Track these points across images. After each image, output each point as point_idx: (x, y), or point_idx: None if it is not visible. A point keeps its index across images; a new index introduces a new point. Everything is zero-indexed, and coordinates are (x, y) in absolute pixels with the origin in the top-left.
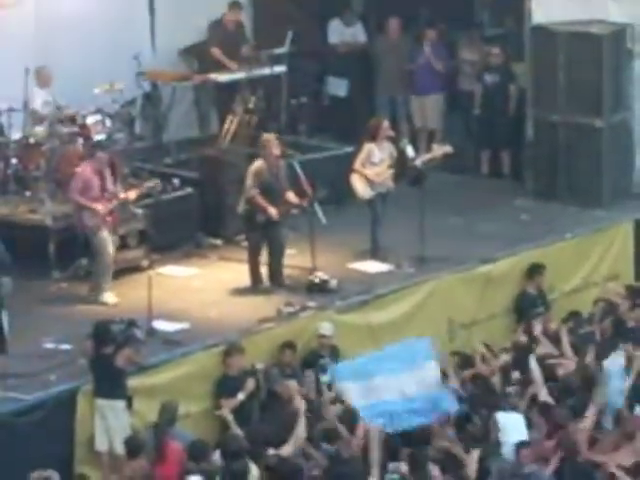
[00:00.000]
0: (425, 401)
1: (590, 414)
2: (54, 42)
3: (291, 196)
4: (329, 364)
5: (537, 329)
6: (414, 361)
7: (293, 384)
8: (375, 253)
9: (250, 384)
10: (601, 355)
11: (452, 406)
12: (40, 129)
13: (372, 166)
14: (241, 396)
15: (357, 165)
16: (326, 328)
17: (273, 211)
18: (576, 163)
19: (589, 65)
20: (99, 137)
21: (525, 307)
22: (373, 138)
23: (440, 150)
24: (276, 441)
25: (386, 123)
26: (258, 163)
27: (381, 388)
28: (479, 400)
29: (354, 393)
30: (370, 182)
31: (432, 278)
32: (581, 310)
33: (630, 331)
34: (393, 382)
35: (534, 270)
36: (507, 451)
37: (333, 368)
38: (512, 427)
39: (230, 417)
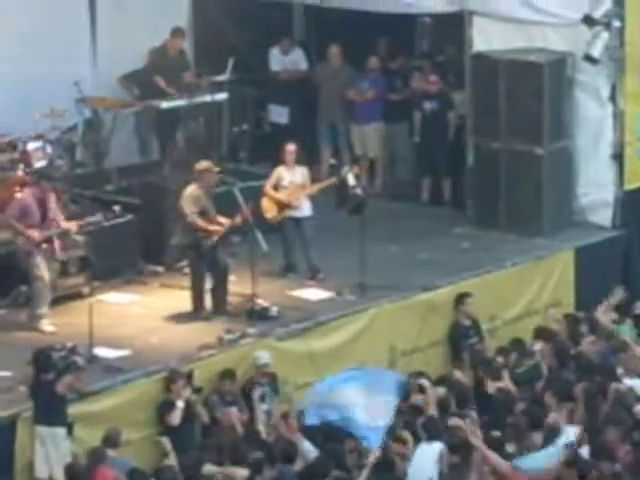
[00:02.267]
0: (365, 427)
1: None
2: None
3: (222, 219)
4: (268, 392)
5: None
6: (379, 389)
7: (233, 411)
8: (287, 273)
9: (186, 392)
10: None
11: (376, 444)
12: None
13: (283, 189)
14: (180, 404)
15: (267, 188)
16: (263, 357)
17: (215, 229)
18: (517, 191)
19: (530, 93)
20: (40, 164)
21: (458, 338)
22: (282, 162)
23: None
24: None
25: (291, 147)
26: (193, 188)
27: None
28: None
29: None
30: (279, 205)
31: (373, 305)
32: (523, 338)
33: (572, 358)
34: (352, 394)
35: (459, 300)
36: None
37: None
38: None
39: (168, 446)
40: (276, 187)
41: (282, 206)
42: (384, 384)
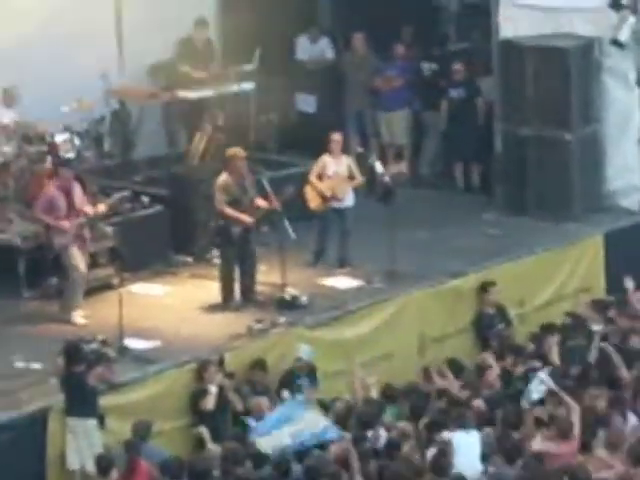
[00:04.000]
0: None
1: None
2: (21, 61)
3: (260, 202)
4: (305, 385)
5: None
6: (297, 414)
7: (264, 401)
8: (315, 263)
9: (218, 377)
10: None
11: (336, 435)
12: (8, 149)
13: (328, 179)
14: (213, 389)
15: (311, 177)
16: (305, 352)
17: (247, 218)
18: (545, 177)
19: (557, 78)
20: (68, 155)
21: (483, 327)
22: (328, 151)
23: (395, 168)
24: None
25: (337, 136)
26: (224, 177)
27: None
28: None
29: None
30: (323, 195)
31: (402, 293)
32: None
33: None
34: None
35: (483, 288)
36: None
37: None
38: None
39: (206, 434)
40: (320, 176)
41: (326, 197)
42: (295, 409)
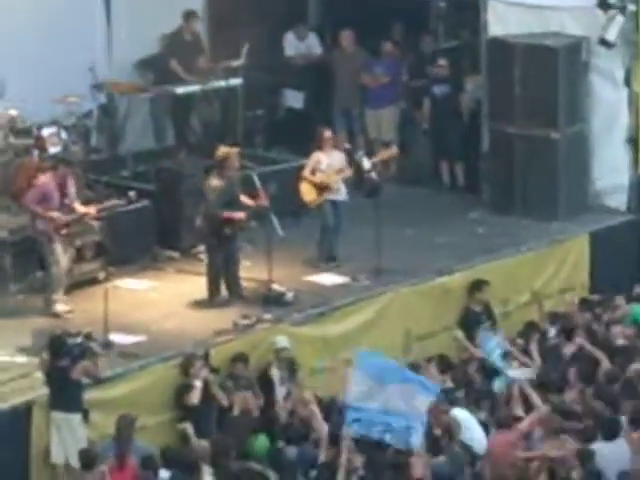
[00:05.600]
0: (400, 425)
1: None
2: (8, 54)
3: (247, 200)
4: (285, 376)
5: None
6: (419, 388)
7: (248, 396)
8: (322, 261)
9: (203, 372)
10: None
11: (417, 441)
12: None
13: (320, 173)
14: (198, 383)
15: (305, 172)
16: (282, 341)
17: (240, 214)
18: (532, 175)
19: (545, 77)
20: (54, 149)
21: (469, 324)
22: (319, 147)
23: (386, 153)
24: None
25: (328, 132)
26: (216, 181)
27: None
28: None
29: (359, 387)
30: (318, 187)
31: (388, 290)
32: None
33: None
34: (390, 391)
35: (475, 287)
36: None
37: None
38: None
39: (190, 429)
40: (313, 171)
41: (321, 189)
42: (420, 384)
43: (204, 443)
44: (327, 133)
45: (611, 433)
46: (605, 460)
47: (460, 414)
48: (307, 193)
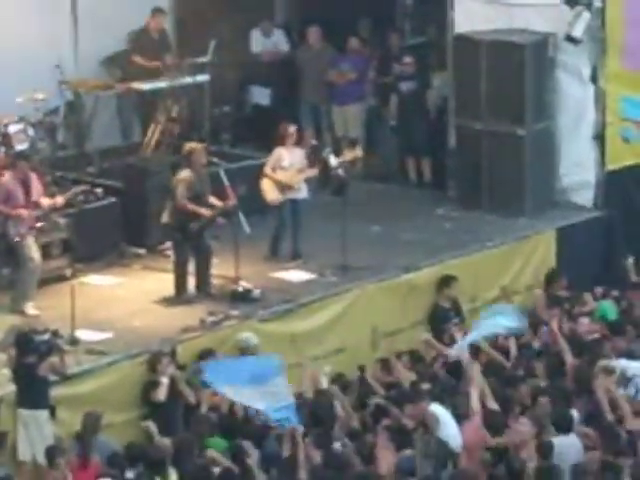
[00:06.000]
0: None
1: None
2: None
3: (214, 200)
4: None
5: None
6: (265, 377)
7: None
8: (273, 257)
9: (170, 369)
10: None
11: (296, 419)
12: None
13: (282, 170)
14: (165, 380)
15: (267, 169)
16: (249, 338)
17: (206, 212)
18: (499, 172)
19: (511, 74)
20: (21, 146)
21: (438, 320)
22: (282, 143)
23: (351, 154)
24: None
25: (292, 128)
26: (186, 173)
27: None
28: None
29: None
30: (280, 186)
31: (355, 287)
32: None
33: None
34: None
35: (444, 283)
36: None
37: (196, 368)
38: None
39: (153, 427)
40: (274, 169)
41: (283, 188)
42: (264, 370)
43: (166, 441)
44: (291, 129)
45: (565, 427)
46: (560, 453)
47: (437, 409)
48: (269, 192)
